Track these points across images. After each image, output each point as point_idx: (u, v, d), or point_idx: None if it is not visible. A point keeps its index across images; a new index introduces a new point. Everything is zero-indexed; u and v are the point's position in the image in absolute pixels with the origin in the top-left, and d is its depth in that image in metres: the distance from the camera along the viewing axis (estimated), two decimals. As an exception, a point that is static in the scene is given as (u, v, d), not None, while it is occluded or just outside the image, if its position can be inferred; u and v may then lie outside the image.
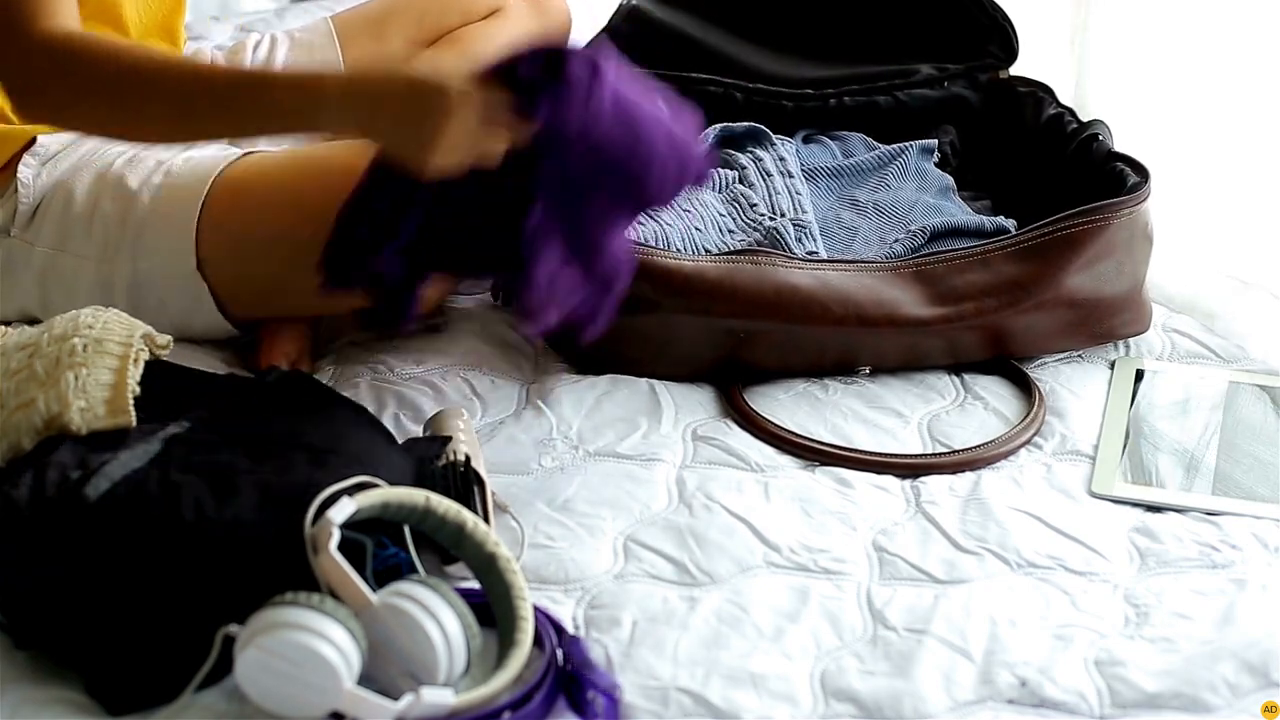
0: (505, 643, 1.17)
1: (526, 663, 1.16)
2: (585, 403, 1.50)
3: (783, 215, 1.67)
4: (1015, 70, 1.91)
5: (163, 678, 1.14)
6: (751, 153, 1.76)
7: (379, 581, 1.17)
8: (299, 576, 1.14)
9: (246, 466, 1.22)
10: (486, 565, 1.21)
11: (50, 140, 1.59)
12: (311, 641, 1.08)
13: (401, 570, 1.21)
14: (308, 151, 1.57)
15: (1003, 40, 1.89)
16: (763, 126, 1.80)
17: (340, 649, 1.09)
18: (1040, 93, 1.85)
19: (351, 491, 1.18)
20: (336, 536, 1.13)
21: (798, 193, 1.71)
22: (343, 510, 1.15)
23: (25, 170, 1.58)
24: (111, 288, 1.56)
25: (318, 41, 1.83)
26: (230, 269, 1.55)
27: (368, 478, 1.20)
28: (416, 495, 1.21)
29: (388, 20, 1.68)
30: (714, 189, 1.72)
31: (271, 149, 1.60)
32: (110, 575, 1.16)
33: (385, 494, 1.19)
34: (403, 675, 1.12)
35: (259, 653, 1.09)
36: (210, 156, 1.58)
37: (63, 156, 1.59)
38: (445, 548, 1.25)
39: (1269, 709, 1.16)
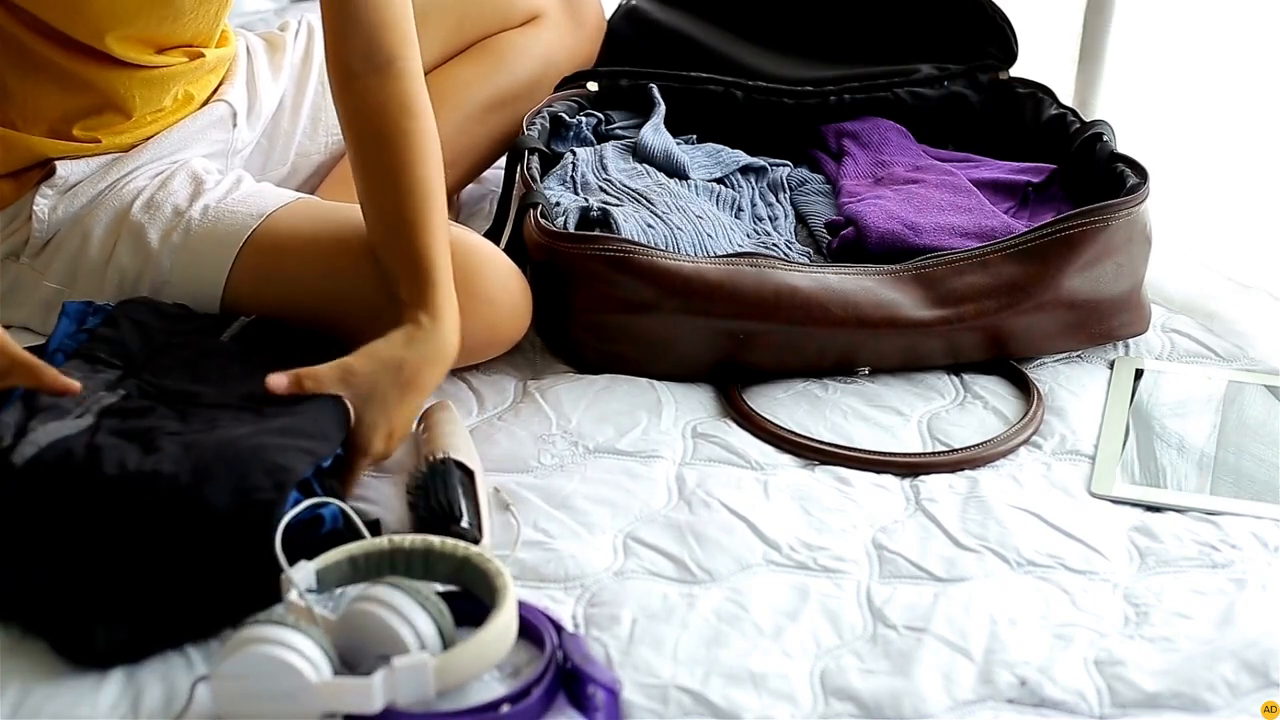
0: (490, 599, 1.16)
1: (527, 660, 1.16)
2: (585, 399, 1.50)
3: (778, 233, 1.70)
4: (1016, 72, 1.91)
5: (123, 635, 1.16)
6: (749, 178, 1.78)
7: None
8: (222, 526, 1.17)
9: (174, 428, 1.25)
10: (460, 567, 1.20)
11: (69, 170, 1.53)
12: (264, 650, 1.08)
13: (325, 521, 1.24)
14: (337, 216, 1.52)
15: (1001, 42, 1.90)
16: (761, 161, 1.81)
17: (295, 648, 1.09)
18: (1040, 93, 1.85)
19: (287, 463, 1.21)
20: (294, 594, 1.15)
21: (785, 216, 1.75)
22: (305, 574, 1.17)
23: (42, 202, 1.52)
24: None
25: None
26: None
27: (298, 442, 1.23)
28: (378, 542, 1.21)
29: (425, 21, 1.66)
30: (719, 204, 1.73)
31: (287, 199, 1.54)
32: (45, 538, 1.18)
33: (348, 550, 1.20)
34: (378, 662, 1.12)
35: (224, 681, 1.09)
36: (231, 213, 1.51)
37: (81, 190, 1.53)
38: (421, 576, 1.22)
39: (1269, 709, 1.16)
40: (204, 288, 1.49)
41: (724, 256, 1.55)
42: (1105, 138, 1.71)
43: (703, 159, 1.80)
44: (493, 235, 1.67)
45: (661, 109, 1.82)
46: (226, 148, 1.63)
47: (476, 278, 1.45)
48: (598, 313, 1.54)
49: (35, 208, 1.52)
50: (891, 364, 1.57)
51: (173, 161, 1.57)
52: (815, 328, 1.53)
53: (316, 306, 1.48)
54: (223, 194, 1.54)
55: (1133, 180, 1.61)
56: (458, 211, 1.87)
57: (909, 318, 1.55)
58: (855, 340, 1.55)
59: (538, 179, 1.65)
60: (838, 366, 1.57)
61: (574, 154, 1.72)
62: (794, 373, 1.56)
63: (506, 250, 1.58)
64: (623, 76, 1.86)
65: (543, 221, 1.55)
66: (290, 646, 1.08)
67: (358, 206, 1.50)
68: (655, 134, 1.78)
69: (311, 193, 1.67)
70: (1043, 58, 1.99)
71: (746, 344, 1.54)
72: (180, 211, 1.51)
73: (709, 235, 1.63)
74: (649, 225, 1.61)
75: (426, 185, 1.42)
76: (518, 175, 1.67)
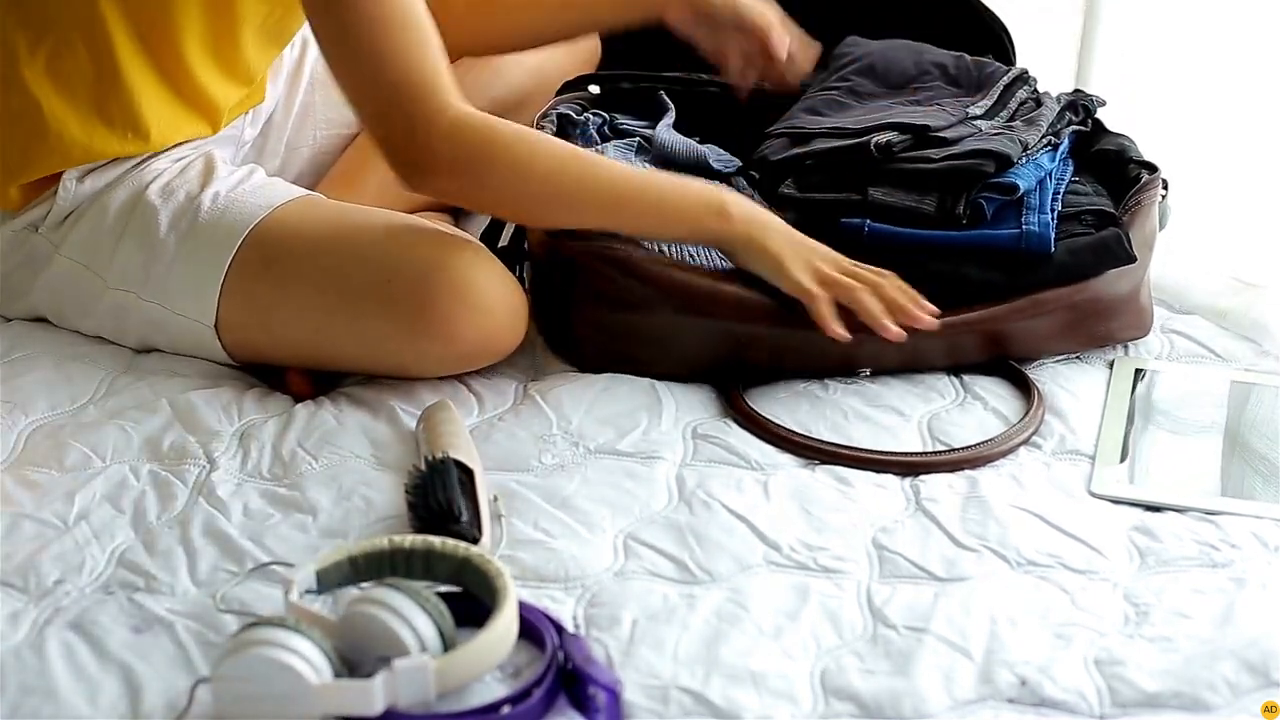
0: (490, 600, 1.16)
1: (528, 661, 1.16)
2: (585, 399, 1.50)
3: None
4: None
5: None
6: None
7: None
8: None
9: None
10: (460, 568, 1.21)
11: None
12: (264, 652, 1.08)
13: None
14: (341, 216, 1.54)
15: (999, 50, 1.90)
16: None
17: (295, 650, 1.08)
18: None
19: None
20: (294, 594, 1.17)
21: None
22: (305, 574, 1.18)
23: (73, 172, 1.55)
24: (126, 314, 1.56)
25: None
26: (249, 334, 1.53)
27: None
28: (378, 542, 1.22)
29: None
30: None
31: (295, 195, 1.56)
32: None
33: (348, 550, 1.20)
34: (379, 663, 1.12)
35: (225, 683, 1.09)
36: (239, 203, 1.54)
37: (108, 166, 1.56)
38: (421, 577, 1.22)
39: (1269, 709, 1.16)
40: (201, 284, 1.51)
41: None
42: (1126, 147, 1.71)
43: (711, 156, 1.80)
44: (490, 235, 1.67)
45: (672, 113, 1.82)
46: (238, 137, 1.68)
47: (473, 288, 1.47)
48: (599, 310, 1.54)
49: (63, 180, 1.55)
50: (892, 365, 1.57)
51: (194, 148, 1.60)
52: (818, 331, 1.53)
53: (316, 304, 1.49)
54: (234, 184, 1.56)
55: (1141, 177, 1.63)
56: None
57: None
58: (857, 342, 1.54)
59: None
60: (840, 368, 1.57)
61: (576, 155, 1.72)
62: (796, 373, 1.56)
63: (508, 248, 1.59)
64: (624, 79, 1.86)
65: None
66: (290, 649, 1.08)
67: (365, 207, 1.54)
68: (669, 132, 1.78)
69: (310, 187, 1.69)
70: (1043, 57, 1.99)
71: (749, 345, 1.54)
72: (192, 197, 1.54)
73: None
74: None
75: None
76: None
